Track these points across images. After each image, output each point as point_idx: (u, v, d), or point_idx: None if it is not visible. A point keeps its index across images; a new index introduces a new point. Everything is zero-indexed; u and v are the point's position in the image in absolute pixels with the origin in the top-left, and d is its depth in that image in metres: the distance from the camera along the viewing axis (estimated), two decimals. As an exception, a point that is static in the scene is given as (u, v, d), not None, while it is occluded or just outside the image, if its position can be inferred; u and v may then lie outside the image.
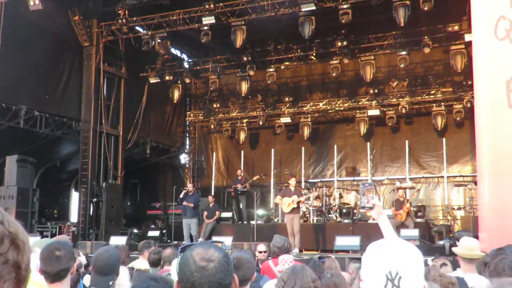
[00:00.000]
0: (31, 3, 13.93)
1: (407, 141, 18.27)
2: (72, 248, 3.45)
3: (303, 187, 17.42)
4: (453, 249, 4.94)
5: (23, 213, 14.08)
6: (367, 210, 2.98)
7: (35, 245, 3.42)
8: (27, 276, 1.10)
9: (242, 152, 20.36)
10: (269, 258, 6.81)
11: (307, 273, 3.37)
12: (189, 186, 15.00)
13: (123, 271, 4.24)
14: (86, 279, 5.16)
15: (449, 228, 15.07)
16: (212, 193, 18.61)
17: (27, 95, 15.33)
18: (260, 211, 17.22)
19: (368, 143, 18.87)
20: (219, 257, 1.78)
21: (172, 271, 3.12)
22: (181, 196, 14.82)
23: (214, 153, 21.55)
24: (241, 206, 17.01)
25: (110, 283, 3.60)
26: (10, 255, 1.06)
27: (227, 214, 16.98)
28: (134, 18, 16.79)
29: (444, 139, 17.65)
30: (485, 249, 5.52)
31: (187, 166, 22.60)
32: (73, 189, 19.71)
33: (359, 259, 10.29)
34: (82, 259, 5.61)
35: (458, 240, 6.12)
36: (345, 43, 17.49)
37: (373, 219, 3.11)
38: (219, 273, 1.75)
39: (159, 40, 16.83)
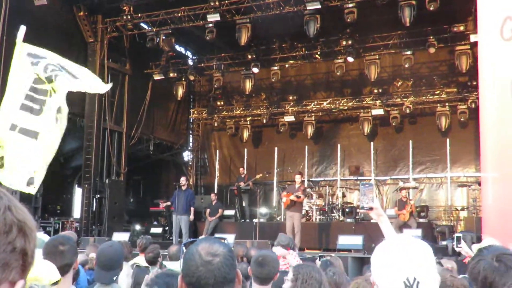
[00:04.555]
0: (36, -1, 13.93)
1: (410, 141, 18.24)
2: (76, 243, 3.46)
3: (306, 185, 17.39)
4: (474, 249, 4.85)
5: (26, 208, 14.09)
6: (367, 211, 2.96)
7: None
8: (32, 263, 1.10)
9: (245, 150, 20.37)
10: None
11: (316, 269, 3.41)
12: (182, 180, 14.33)
13: (126, 266, 4.25)
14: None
15: (452, 229, 15.04)
16: (215, 191, 18.64)
17: (31, 91, 15.33)
18: (263, 209, 17.21)
19: (372, 143, 18.84)
20: (224, 252, 1.78)
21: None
22: (174, 195, 14.42)
23: (218, 151, 21.53)
24: (244, 204, 17.03)
25: (115, 278, 3.60)
26: (18, 243, 1.05)
27: (230, 212, 16.97)
28: (139, 15, 16.79)
29: (448, 139, 17.60)
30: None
31: (190, 163, 22.61)
32: (76, 185, 19.73)
33: (361, 259, 10.29)
34: (92, 255, 5.63)
35: (459, 241, 6.08)
36: (350, 42, 17.42)
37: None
38: (224, 267, 1.75)
39: (163, 37, 16.82)
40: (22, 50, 4.33)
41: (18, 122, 4.21)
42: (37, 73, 4.29)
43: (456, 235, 5.81)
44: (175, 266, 3.01)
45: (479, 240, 7.99)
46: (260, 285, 3.69)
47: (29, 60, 4.33)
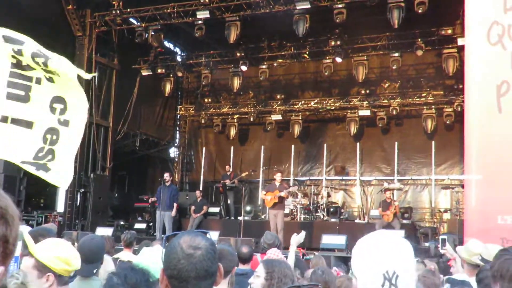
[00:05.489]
0: (25, -10, 13.81)
1: (396, 143, 18.32)
2: (57, 235, 3.45)
3: (291, 184, 17.42)
4: (458, 250, 4.91)
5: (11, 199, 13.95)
6: None
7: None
8: (14, 250, 1.11)
9: (232, 147, 20.35)
10: (257, 253, 6.83)
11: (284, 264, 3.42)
12: (166, 176, 14.50)
13: (108, 259, 4.25)
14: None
15: (435, 230, 15.15)
16: (201, 188, 18.65)
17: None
18: (248, 207, 17.24)
19: (358, 143, 18.92)
20: (206, 245, 1.79)
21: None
22: (158, 191, 14.54)
23: (204, 148, 21.50)
24: (229, 202, 17.04)
25: (95, 270, 3.60)
26: None
27: (215, 209, 16.99)
28: (128, 10, 16.69)
29: (433, 141, 17.71)
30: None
31: (176, 160, 22.56)
32: (61, 179, 19.58)
33: (344, 258, 10.34)
34: None
35: (444, 243, 6.16)
36: (338, 42, 17.48)
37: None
38: (206, 260, 1.76)
39: (152, 33, 16.77)
40: None
41: (8, 112, 4.16)
42: (21, 59, 4.23)
43: (441, 237, 5.90)
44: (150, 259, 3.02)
45: (461, 242, 8.09)
46: None
47: (6, 44, 4.25)
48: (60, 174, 4.26)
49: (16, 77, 4.23)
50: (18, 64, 4.25)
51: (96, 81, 17.36)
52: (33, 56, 4.28)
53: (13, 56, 4.21)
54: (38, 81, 4.29)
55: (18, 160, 4.18)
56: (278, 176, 13.37)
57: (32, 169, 4.15)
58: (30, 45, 4.32)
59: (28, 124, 4.22)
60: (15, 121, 4.18)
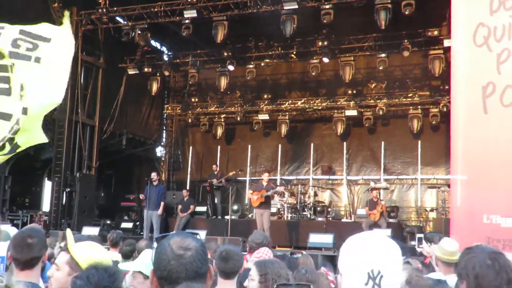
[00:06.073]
0: (10, -12, 13.69)
1: (383, 142, 18.42)
2: (45, 236, 3.42)
3: (278, 184, 17.43)
4: (432, 249, 4.93)
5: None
6: None
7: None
8: None
9: (219, 147, 20.33)
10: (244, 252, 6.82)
11: (279, 265, 3.42)
12: (153, 175, 14.47)
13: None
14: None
15: (421, 229, 15.24)
16: (188, 187, 18.59)
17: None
18: (235, 206, 17.22)
19: (345, 143, 19.00)
20: (197, 246, 1.79)
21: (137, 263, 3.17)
22: (146, 190, 14.48)
23: (191, 147, 21.46)
24: (216, 201, 17.01)
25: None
26: None
27: (202, 209, 16.95)
28: (115, 8, 16.63)
29: (419, 141, 17.83)
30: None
31: (162, 159, 22.49)
32: (46, 178, 19.46)
33: (331, 257, 10.38)
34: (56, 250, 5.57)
35: (428, 241, 6.19)
36: (325, 43, 17.54)
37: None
38: (196, 261, 1.76)
39: (139, 32, 16.69)
40: None
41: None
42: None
43: (418, 236, 5.96)
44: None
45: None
46: (225, 279, 3.75)
47: None
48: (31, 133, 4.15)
49: None
50: None
51: (82, 80, 17.25)
52: (14, 41, 4.11)
53: None
54: (10, 69, 4.13)
55: None
56: (265, 176, 13.41)
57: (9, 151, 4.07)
58: (10, 32, 4.15)
59: (7, 117, 4.11)
60: (1, 115, 4.08)
